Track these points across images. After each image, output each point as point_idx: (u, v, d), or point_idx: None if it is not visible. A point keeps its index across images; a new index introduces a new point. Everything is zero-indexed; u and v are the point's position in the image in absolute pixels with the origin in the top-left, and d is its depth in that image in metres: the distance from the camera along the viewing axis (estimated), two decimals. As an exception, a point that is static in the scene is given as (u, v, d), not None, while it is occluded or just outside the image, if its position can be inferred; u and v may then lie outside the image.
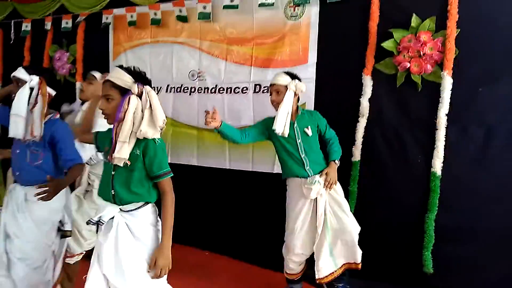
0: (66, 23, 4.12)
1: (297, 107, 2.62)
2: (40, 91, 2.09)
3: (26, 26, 4.39)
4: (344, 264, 2.60)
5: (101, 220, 1.67)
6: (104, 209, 1.69)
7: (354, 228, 2.54)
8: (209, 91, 3.45)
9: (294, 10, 3.17)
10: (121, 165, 1.65)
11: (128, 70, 1.71)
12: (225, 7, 3.31)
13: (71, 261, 2.57)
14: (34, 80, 2.09)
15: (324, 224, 2.50)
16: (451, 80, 2.67)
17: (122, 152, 1.63)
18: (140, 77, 1.70)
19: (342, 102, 3.03)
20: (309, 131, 2.55)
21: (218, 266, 3.28)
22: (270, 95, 2.59)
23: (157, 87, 3.65)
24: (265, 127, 2.63)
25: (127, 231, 1.67)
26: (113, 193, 1.68)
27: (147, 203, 1.72)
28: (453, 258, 2.71)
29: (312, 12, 3.10)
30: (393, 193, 2.91)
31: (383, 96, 2.92)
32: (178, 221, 3.70)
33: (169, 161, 3.79)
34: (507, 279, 2.63)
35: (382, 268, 2.92)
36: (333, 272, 2.57)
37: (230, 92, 3.37)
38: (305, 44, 3.14)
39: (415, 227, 2.80)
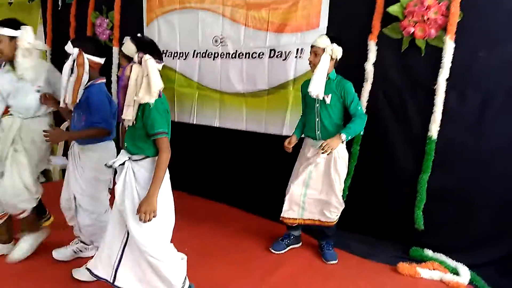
0: (106, -11, 4.47)
1: (329, 72, 2.66)
2: (76, 62, 2.29)
3: (72, -7, 4.80)
4: (309, 219, 2.89)
5: (113, 165, 2.02)
6: (119, 156, 2.05)
7: (333, 206, 2.79)
8: (230, 56, 3.72)
9: (308, -27, 3.28)
10: (130, 124, 1.94)
11: (136, 39, 1.93)
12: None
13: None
14: (75, 52, 2.29)
15: (308, 177, 2.78)
16: (453, 45, 2.73)
17: (127, 114, 1.90)
18: (144, 46, 1.90)
19: (349, 67, 3.14)
20: (327, 99, 2.64)
21: (230, 216, 3.68)
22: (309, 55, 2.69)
23: (185, 52, 3.97)
24: (302, 95, 2.83)
25: (132, 175, 1.98)
26: (125, 145, 2.04)
27: (147, 156, 1.98)
28: (443, 217, 2.92)
29: (326, -24, 3.19)
30: (391, 153, 3.09)
31: (388, 60, 3.03)
32: (198, 176, 4.19)
33: (194, 122, 4.18)
34: (494, 236, 2.82)
35: (376, 223, 3.20)
36: (296, 219, 2.89)
37: (248, 57, 3.62)
38: (317, 8, 3.26)
39: (409, 187, 2.99)
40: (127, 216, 1.96)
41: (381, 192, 3.17)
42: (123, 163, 2.00)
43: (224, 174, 4.02)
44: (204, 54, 3.88)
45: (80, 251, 2.70)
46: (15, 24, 2.51)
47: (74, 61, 2.28)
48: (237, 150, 3.89)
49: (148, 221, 1.88)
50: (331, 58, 2.61)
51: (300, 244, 3.10)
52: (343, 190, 2.95)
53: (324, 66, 2.58)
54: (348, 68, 3.14)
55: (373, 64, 3.06)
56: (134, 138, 1.97)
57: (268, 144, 3.53)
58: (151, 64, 1.84)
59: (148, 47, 1.92)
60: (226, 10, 3.70)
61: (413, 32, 2.87)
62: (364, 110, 3.06)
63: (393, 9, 2.92)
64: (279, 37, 3.45)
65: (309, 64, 2.71)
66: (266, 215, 3.57)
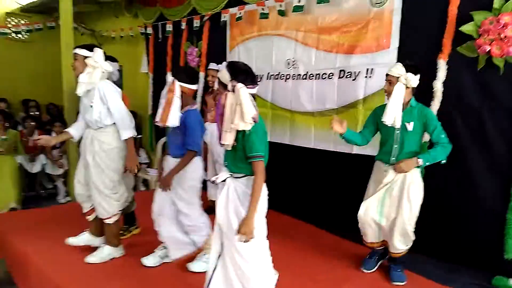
0: (196, 23, 5.02)
1: (409, 100, 2.64)
2: (168, 89, 2.57)
3: (169, 27, 5.48)
4: (384, 241, 2.81)
5: (215, 181, 2.20)
6: (221, 174, 2.21)
7: (405, 234, 2.68)
8: (301, 77, 3.89)
9: (379, -3, 3.34)
10: (229, 148, 2.07)
11: (230, 66, 2.03)
12: (319, 1, 3.64)
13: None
14: (170, 80, 2.60)
15: (380, 204, 2.72)
16: (536, 63, 2.55)
17: (226, 139, 2.02)
18: (237, 73, 1.99)
19: (421, 86, 3.10)
20: (409, 126, 2.60)
21: (302, 231, 3.69)
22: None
23: (260, 75, 4.24)
24: (374, 119, 2.81)
25: (233, 191, 2.14)
26: (225, 164, 2.17)
27: (247, 174, 2.09)
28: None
29: (396, -1, 3.23)
30: (471, 178, 2.92)
31: (463, 79, 2.92)
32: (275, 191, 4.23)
33: (268, 140, 4.39)
34: None
35: (454, 250, 3.02)
36: (373, 242, 2.83)
37: (318, 78, 3.75)
38: (387, 30, 3.29)
39: (491, 214, 2.79)
40: (229, 229, 2.07)
41: (461, 218, 3.00)
42: (225, 180, 2.15)
43: (297, 190, 4.10)
44: (277, 76, 4.11)
45: (166, 256, 2.94)
46: (91, 47, 2.87)
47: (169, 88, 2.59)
48: (308, 167, 3.98)
49: (246, 242, 1.98)
50: (406, 87, 2.57)
51: (387, 257, 2.94)
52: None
53: (398, 96, 2.55)
54: (421, 87, 3.08)
55: (445, 83, 2.97)
56: (235, 159, 2.10)
57: (338, 162, 3.56)
58: (243, 92, 1.94)
59: (241, 73, 2.01)
60: (299, 35, 3.91)
61: (489, 50, 2.72)
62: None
63: (467, 28, 2.83)
64: (349, 58, 3.53)
65: (384, 92, 2.70)
66: (337, 231, 3.56)
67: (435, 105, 2.98)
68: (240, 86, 1.94)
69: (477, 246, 2.91)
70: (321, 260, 3.09)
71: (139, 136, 5.98)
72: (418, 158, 2.54)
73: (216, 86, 3.66)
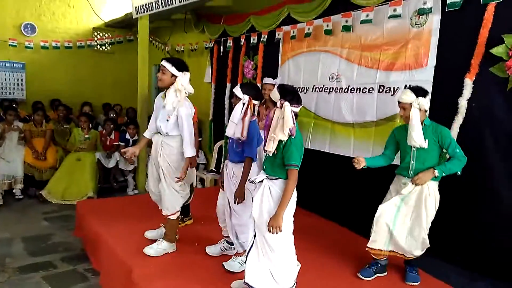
0: (253, 39, 5.49)
1: (423, 120, 2.85)
2: (248, 107, 2.87)
3: (230, 43, 6.00)
4: (393, 251, 2.97)
5: (254, 181, 2.63)
6: (259, 175, 2.62)
7: (418, 243, 2.87)
8: (343, 90, 4.17)
9: (419, 18, 3.53)
10: (270, 155, 2.45)
11: (282, 88, 2.44)
12: (362, 22, 3.92)
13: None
14: (245, 98, 2.88)
15: (397, 211, 2.91)
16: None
17: (269, 147, 2.40)
18: (286, 94, 2.39)
19: (451, 104, 3.25)
20: (425, 144, 2.79)
21: (328, 230, 3.97)
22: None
23: (306, 87, 4.59)
24: (394, 139, 3.07)
25: (268, 191, 2.54)
26: (264, 167, 2.56)
27: (281, 178, 2.47)
28: None
29: (434, 20, 3.40)
30: (496, 191, 3.01)
31: (493, 98, 3.03)
32: (310, 193, 4.52)
33: (308, 147, 4.67)
34: None
35: (480, 259, 3.11)
36: (381, 249, 2.98)
37: (359, 92, 4.00)
38: (426, 49, 3.47)
39: None
40: (261, 222, 2.45)
41: (488, 229, 3.10)
42: (262, 181, 2.54)
43: (337, 196, 4.33)
44: (321, 89, 4.43)
45: (226, 249, 3.29)
46: (180, 66, 3.14)
47: (244, 104, 2.88)
48: (345, 175, 4.14)
49: (275, 233, 2.38)
50: (420, 110, 2.79)
51: (386, 273, 3.12)
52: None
53: (417, 119, 2.77)
54: (450, 104, 3.24)
55: (475, 101, 3.10)
56: (273, 164, 2.48)
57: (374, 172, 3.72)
58: (287, 109, 2.33)
59: (289, 94, 2.40)
60: (343, 52, 4.20)
61: (520, 71, 2.83)
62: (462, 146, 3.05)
63: (498, 50, 2.94)
64: (389, 74, 3.75)
65: (400, 118, 2.96)
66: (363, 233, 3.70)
67: (459, 120, 3.13)
68: (286, 104, 2.35)
69: (505, 257, 2.98)
70: (345, 258, 3.34)
71: (200, 139, 6.57)
72: (435, 169, 2.77)
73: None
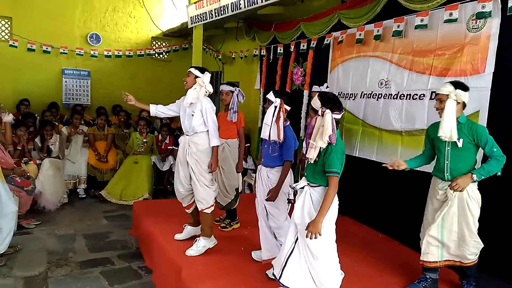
0: (303, 46, 5.51)
1: (458, 117, 2.75)
2: (281, 109, 3.03)
3: (280, 49, 6.07)
4: (448, 260, 2.86)
5: (295, 187, 2.69)
6: (300, 182, 2.68)
7: (471, 246, 2.77)
8: (392, 97, 4.06)
9: (476, 22, 3.37)
10: (311, 162, 2.50)
11: (321, 96, 2.48)
12: (416, 27, 3.80)
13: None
14: (277, 101, 3.04)
15: (441, 219, 2.81)
16: None
17: (310, 154, 2.45)
18: (327, 102, 2.42)
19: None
20: (459, 143, 2.71)
21: (378, 242, 3.89)
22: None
23: (354, 93, 4.53)
24: (428, 138, 3.01)
25: (309, 197, 2.58)
26: (305, 174, 2.61)
27: (321, 185, 2.50)
28: None
29: (493, 24, 3.23)
30: None
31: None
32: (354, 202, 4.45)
33: (356, 155, 4.60)
34: None
35: None
36: (436, 262, 2.88)
37: (409, 99, 3.88)
38: (483, 54, 3.30)
39: None
40: (303, 227, 2.45)
41: None
42: (303, 187, 2.61)
43: (381, 203, 4.26)
44: (369, 95, 4.35)
45: None
46: (202, 69, 3.51)
47: (276, 107, 3.04)
48: (389, 183, 4.09)
49: (313, 239, 2.39)
50: (457, 103, 2.70)
51: None
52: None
53: (450, 111, 2.69)
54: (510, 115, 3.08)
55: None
56: (315, 171, 2.52)
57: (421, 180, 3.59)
58: (328, 117, 2.38)
59: (330, 102, 2.44)
60: (394, 57, 4.09)
61: None
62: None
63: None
64: (442, 80, 3.57)
65: (436, 110, 2.85)
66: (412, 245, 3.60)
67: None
68: (327, 112, 2.39)
69: None
70: (394, 272, 3.25)
71: (247, 144, 6.70)
72: (473, 173, 2.64)
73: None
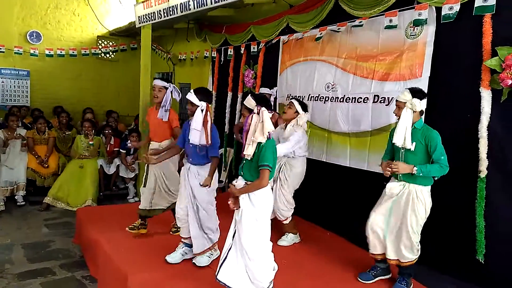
0: (253, 48, 5.55)
1: (415, 122, 2.86)
2: (207, 113, 3.06)
3: (231, 51, 6.07)
4: (389, 259, 3.02)
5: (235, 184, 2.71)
6: (238, 181, 2.71)
7: (404, 247, 2.91)
8: (338, 100, 4.19)
9: (414, 29, 3.55)
10: (248, 159, 2.63)
11: (255, 96, 2.69)
12: (353, 26, 3.98)
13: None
14: (203, 105, 3.07)
15: (388, 215, 2.96)
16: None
17: (248, 150, 2.60)
18: (261, 101, 2.63)
19: (453, 116, 3.29)
20: (412, 146, 2.82)
21: (332, 242, 3.98)
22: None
23: (302, 96, 4.61)
24: (390, 139, 3.06)
25: (247, 195, 2.63)
26: (241, 173, 2.72)
27: None
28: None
29: (429, 31, 3.43)
30: (496, 204, 3.04)
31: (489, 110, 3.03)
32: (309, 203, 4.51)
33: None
34: None
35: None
36: (382, 254, 3.05)
37: (354, 102, 4.03)
38: (420, 59, 3.49)
39: None
40: (240, 223, 2.62)
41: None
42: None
43: (331, 204, 4.36)
44: (317, 98, 4.46)
45: (186, 253, 3.36)
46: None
47: (202, 111, 3.06)
48: (340, 184, 4.24)
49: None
50: (413, 111, 2.82)
51: (390, 275, 3.16)
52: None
53: (405, 119, 2.82)
54: (453, 116, 3.28)
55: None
56: (250, 169, 2.65)
57: (371, 180, 3.74)
58: (266, 114, 2.58)
59: (263, 101, 2.65)
60: (339, 61, 4.23)
61: (512, 84, 2.85)
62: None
63: (491, 62, 2.97)
64: (383, 84, 3.77)
65: (395, 116, 2.99)
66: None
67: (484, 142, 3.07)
68: (263, 109, 2.60)
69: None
70: (345, 266, 3.37)
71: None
72: (415, 166, 2.78)
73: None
